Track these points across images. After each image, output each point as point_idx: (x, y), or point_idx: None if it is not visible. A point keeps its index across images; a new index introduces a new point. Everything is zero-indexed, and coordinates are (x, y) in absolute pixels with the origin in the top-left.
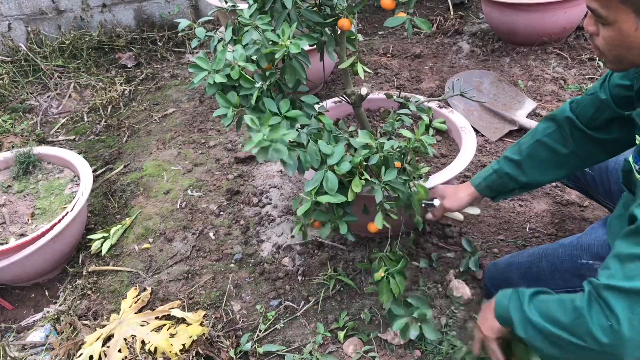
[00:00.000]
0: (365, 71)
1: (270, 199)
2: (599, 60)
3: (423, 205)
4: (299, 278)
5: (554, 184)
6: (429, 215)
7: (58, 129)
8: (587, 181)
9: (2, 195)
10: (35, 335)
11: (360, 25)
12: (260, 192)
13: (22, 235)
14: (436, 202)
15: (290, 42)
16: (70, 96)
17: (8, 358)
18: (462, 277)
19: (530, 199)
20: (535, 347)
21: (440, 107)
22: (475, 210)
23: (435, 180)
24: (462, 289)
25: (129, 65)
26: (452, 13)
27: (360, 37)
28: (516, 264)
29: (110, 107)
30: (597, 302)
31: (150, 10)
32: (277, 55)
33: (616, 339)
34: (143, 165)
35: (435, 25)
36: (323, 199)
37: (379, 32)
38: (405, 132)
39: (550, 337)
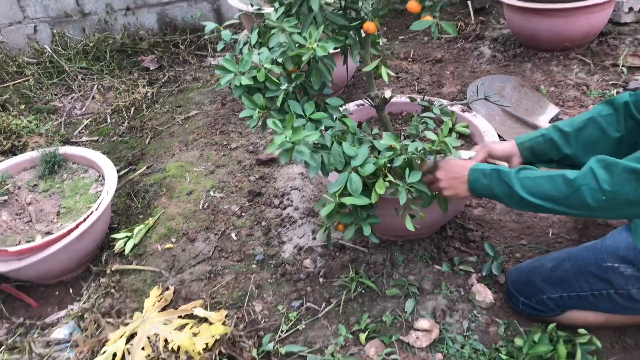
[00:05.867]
0: (389, 75)
1: (292, 201)
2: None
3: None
4: (321, 280)
5: None
6: None
7: (82, 129)
8: None
9: (29, 194)
10: (60, 332)
11: (384, 29)
12: (282, 193)
13: (47, 233)
14: (472, 154)
15: (317, 45)
16: (93, 98)
17: (33, 354)
18: (484, 281)
19: None
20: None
21: (464, 111)
22: (504, 165)
23: None
24: (484, 293)
25: (151, 68)
26: (473, 18)
27: (384, 40)
28: (539, 267)
29: (133, 108)
30: (594, 174)
31: (173, 13)
32: (304, 58)
33: (605, 208)
34: (166, 166)
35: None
36: (347, 200)
37: (400, 37)
38: (430, 134)
39: (538, 209)
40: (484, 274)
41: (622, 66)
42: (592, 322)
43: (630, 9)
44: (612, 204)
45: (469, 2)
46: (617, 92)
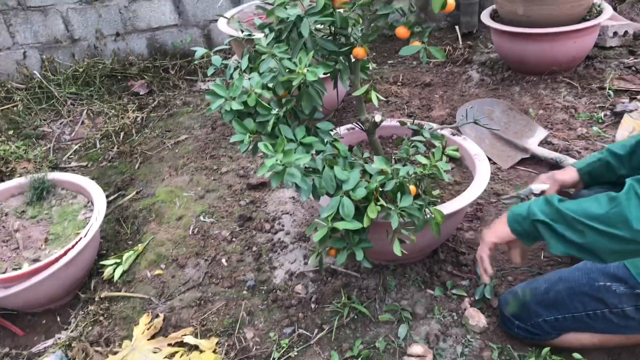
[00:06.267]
0: (379, 99)
1: (283, 226)
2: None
3: (526, 197)
4: (312, 306)
5: None
6: None
7: (71, 155)
8: None
9: (16, 221)
10: None
11: (373, 54)
12: (273, 218)
13: (35, 260)
14: (544, 186)
15: (307, 70)
16: (83, 123)
17: None
18: (477, 305)
19: None
20: (551, 241)
21: (453, 135)
22: (571, 190)
23: (448, 207)
24: (477, 318)
25: (141, 93)
26: (461, 42)
27: (373, 65)
28: (532, 289)
29: (122, 134)
30: (636, 191)
31: (163, 39)
32: (294, 83)
33: None
34: (155, 191)
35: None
36: (340, 225)
37: (389, 61)
38: (421, 159)
39: (578, 228)
40: (476, 297)
41: (609, 89)
42: (587, 344)
43: (615, 33)
44: None
45: (456, 27)
46: (605, 115)
